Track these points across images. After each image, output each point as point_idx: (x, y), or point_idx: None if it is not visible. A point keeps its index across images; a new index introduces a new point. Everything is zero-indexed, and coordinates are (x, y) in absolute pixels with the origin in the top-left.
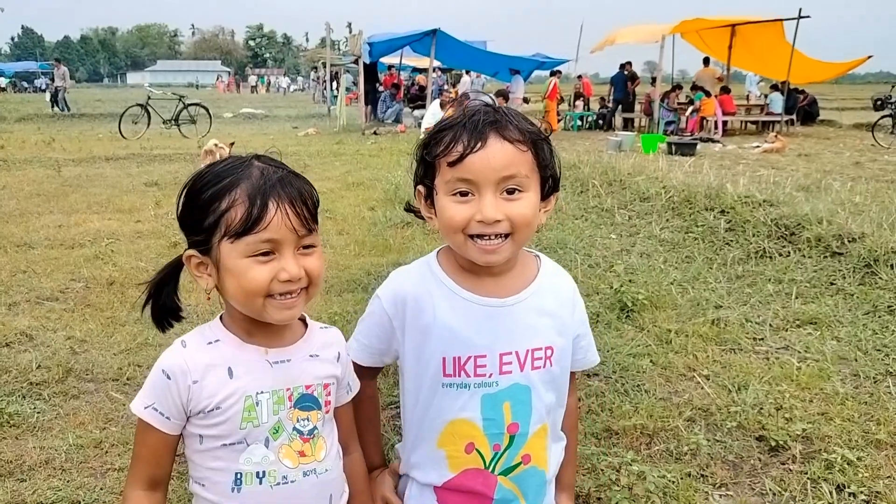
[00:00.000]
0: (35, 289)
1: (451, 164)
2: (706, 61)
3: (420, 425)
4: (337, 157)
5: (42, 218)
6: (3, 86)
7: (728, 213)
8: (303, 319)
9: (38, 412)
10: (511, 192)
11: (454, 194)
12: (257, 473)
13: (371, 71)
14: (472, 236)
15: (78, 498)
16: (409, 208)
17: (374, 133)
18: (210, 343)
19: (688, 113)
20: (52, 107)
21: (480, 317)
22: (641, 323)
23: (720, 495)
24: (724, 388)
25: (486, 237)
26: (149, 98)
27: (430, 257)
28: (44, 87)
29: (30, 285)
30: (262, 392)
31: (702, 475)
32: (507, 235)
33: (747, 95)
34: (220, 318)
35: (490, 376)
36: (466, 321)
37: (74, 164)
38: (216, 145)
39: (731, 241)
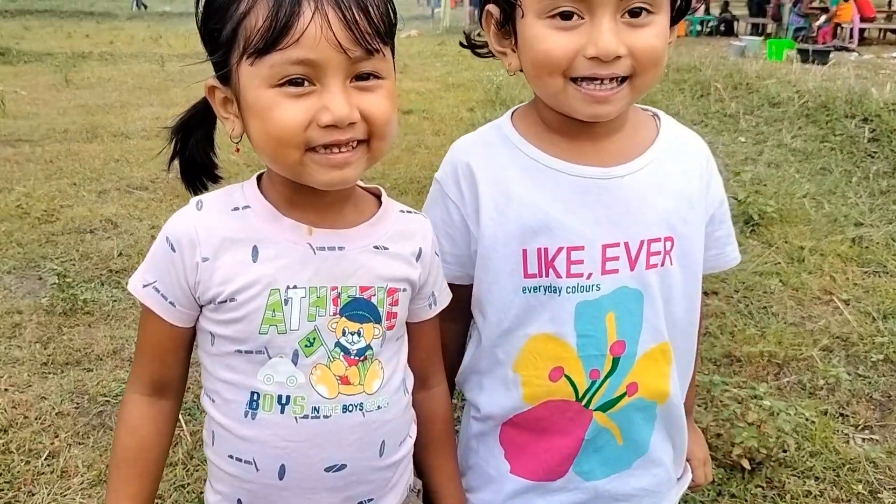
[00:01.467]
0: (126, 177)
1: None
2: None
3: (493, 344)
4: (438, 57)
5: (141, 110)
6: None
7: (872, 121)
8: (378, 195)
9: (115, 300)
10: (636, 13)
11: (552, 15)
12: (279, 398)
13: None
14: (575, 79)
15: None
16: (469, 43)
17: (479, 35)
18: (236, 209)
19: (821, 21)
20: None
21: (575, 193)
22: (769, 238)
23: (863, 439)
24: (868, 315)
25: (598, 80)
26: None
27: (501, 119)
28: None
29: (121, 174)
30: (295, 286)
31: (841, 414)
32: (624, 78)
33: (889, 1)
34: (259, 177)
35: (589, 276)
36: (555, 199)
37: (178, 59)
38: None
39: (875, 152)
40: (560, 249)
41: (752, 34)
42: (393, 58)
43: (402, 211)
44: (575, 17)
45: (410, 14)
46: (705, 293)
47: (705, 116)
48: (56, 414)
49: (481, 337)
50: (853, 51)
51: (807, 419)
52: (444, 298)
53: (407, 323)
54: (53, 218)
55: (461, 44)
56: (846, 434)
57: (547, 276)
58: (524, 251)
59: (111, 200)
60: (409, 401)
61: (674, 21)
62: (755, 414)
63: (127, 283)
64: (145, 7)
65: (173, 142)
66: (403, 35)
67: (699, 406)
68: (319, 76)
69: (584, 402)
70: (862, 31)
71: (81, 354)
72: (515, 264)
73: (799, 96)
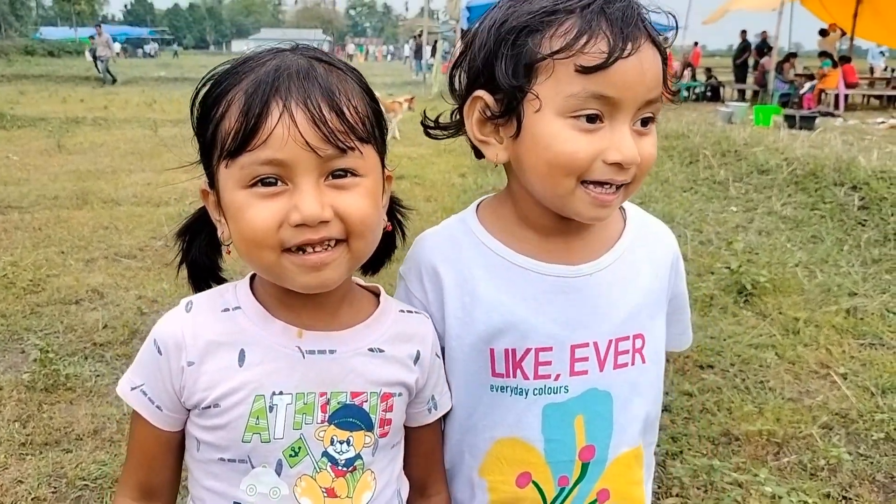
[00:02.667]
0: (114, 245)
1: (588, 71)
2: (823, 32)
3: (459, 445)
4: None
5: (132, 175)
6: (116, 51)
7: (861, 188)
8: (377, 293)
9: (98, 375)
10: (646, 122)
11: (577, 116)
12: None
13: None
14: (587, 182)
15: None
16: (437, 124)
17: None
18: (226, 310)
19: (805, 89)
20: (101, 75)
21: (543, 292)
22: (763, 309)
23: None
24: (866, 391)
25: (608, 185)
26: None
27: (466, 212)
28: (153, 52)
29: (110, 241)
30: (280, 392)
31: (844, 497)
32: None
33: (871, 69)
34: (252, 277)
35: (557, 378)
36: (523, 298)
37: (172, 124)
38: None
39: (866, 220)
40: (528, 350)
41: (738, 100)
42: (381, 155)
43: (402, 311)
44: (598, 120)
45: (403, 80)
46: (699, 367)
47: (695, 183)
48: (32, 499)
49: (447, 434)
50: (838, 116)
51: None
52: (446, 402)
53: (405, 427)
54: (39, 288)
55: (422, 124)
56: None
57: (514, 376)
58: (491, 350)
59: (98, 269)
60: None
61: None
62: (756, 501)
63: (112, 358)
64: (113, 80)
65: (178, 245)
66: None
67: (699, 490)
68: (290, 175)
69: None
70: (846, 96)
71: (61, 434)
72: (483, 363)
73: (787, 164)
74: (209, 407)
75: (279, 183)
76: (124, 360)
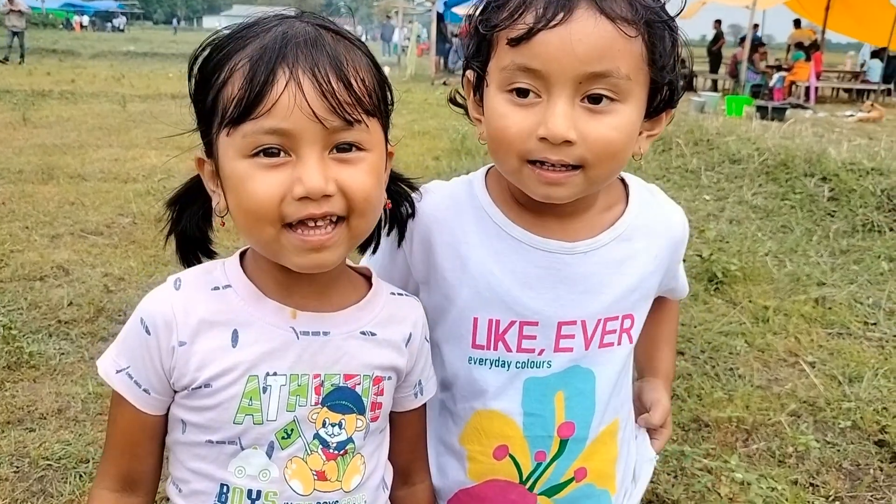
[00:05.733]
0: (80, 221)
1: (513, 43)
2: (797, 23)
3: (439, 413)
4: (404, 105)
5: (100, 151)
6: (84, 24)
7: (831, 180)
8: (368, 276)
9: (62, 353)
10: (596, 99)
11: (510, 90)
12: (249, 493)
13: (441, 22)
14: (530, 161)
15: (87, 455)
16: (455, 101)
17: (444, 84)
18: (216, 289)
19: (773, 81)
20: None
21: (536, 266)
22: (733, 297)
23: None
24: (833, 379)
25: (549, 164)
26: None
27: (475, 174)
28: (121, 27)
29: (76, 217)
30: (275, 373)
31: (811, 484)
32: (578, 166)
33: (862, 65)
34: (242, 254)
35: (540, 353)
36: (514, 270)
37: (140, 100)
38: None
39: (835, 211)
40: (512, 323)
41: (711, 90)
42: (385, 132)
43: (393, 293)
44: (532, 94)
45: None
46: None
47: (667, 171)
48: None
49: (431, 402)
50: (808, 108)
51: (778, 491)
52: (431, 388)
53: (391, 413)
54: (2, 263)
55: (449, 99)
56: None
57: (496, 349)
58: (475, 319)
59: (64, 246)
60: (387, 498)
61: (656, 112)
62: (727, 487)
63: (77, 336)
64: (22, 58)
65: (168, 215)
66: None
67: (669, 475)
68: (294, 146)
69: (527, 485)
70: (816, 89)
71: (24, 413)
72: (465, 331)
73: (759, 154)
74: (200, 387)
75: (282, 154)
76: (90, 338)
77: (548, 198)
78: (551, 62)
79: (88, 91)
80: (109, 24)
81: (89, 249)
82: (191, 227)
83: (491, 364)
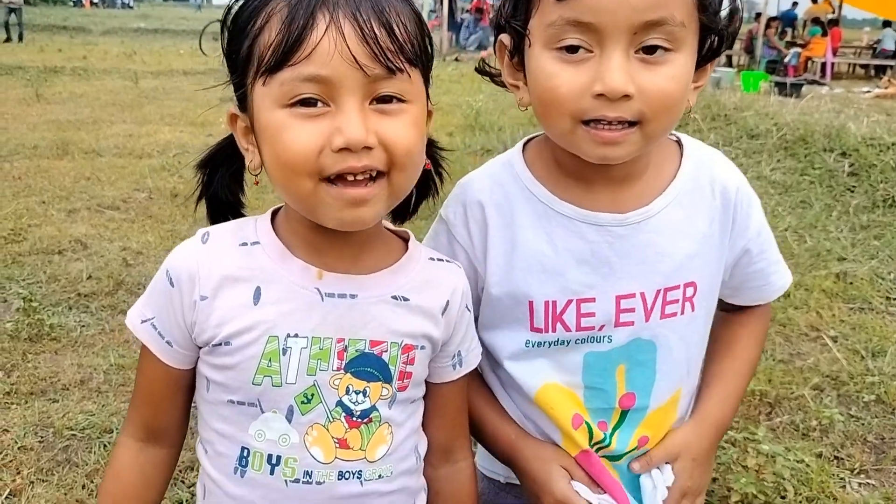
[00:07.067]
0: (97, 196)
1: None
2: None
3: (507, 380)
4: None
5: (114, 127)
6: (94, 0)
7: (850, 155)
8: (406, 238)
9: (83, 326)
10: (651, 50)
11: (559, 48)
12: (269, 457)
13: None
14: (587, 122)
15: (110, 425)
16: (484, 70)
17: (456, 60)
18: (244, 245)
19: (789, 57)
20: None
21: (588, 242)
22: None
23: (859, 483)
24: (856, 353)
25: (604, 122)
26: None
27: (512, 153)
28: (130, 3)
29: (92, 192)
30: (296, 335)
31: (836, 457)
32: (634, 123)
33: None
34: (274, 212)
35: (600, 328)
36: (566, 248)
37: (153, 76)
38: None
39: (855, 186)
40: (570, 302)
41: (726, 65)
42: (426, 86)
43: (433, 258)
44: (582, 50)
45: None
46: None
47: None
48: (18, 448)
49: (494, 373)
50: (825, 84)
51: (804, 463)
52: (472, 359)
53: (428, 384)
54: (20, 237)
55: (476, 69)
56: (842, 479)
57: (554, 330)
58: (530, 303)
59: (81, 220)
60: (421, 469)
61: (703, 61)
62: (753, 459)
63: (97, 309)
64: (20, 38)
65: (198, 178)
66: None
67: None
68: (334, 95)
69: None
70: (832, 65)
71: (47, 384)
72: (522, 315)
73: (777, 129)
74: (220, 344)
75: (320, 104)
76: (109, 310)
77: (604, 159)
78: (604, 13)
79: (100, 67)
80: (119, 1)
81: (106, 224)
82: (222, 189)
83: (549, 345)
